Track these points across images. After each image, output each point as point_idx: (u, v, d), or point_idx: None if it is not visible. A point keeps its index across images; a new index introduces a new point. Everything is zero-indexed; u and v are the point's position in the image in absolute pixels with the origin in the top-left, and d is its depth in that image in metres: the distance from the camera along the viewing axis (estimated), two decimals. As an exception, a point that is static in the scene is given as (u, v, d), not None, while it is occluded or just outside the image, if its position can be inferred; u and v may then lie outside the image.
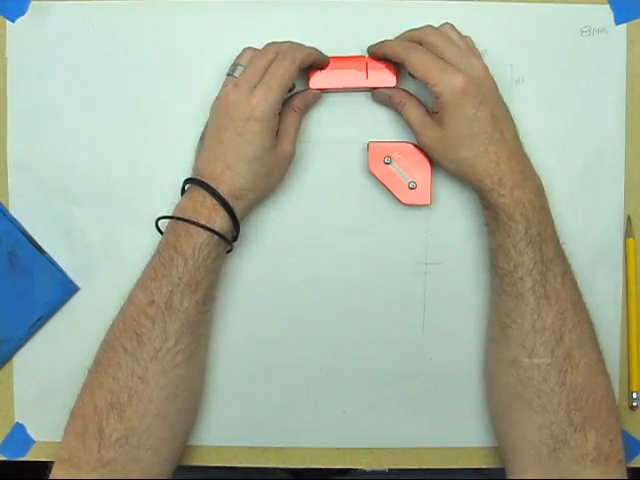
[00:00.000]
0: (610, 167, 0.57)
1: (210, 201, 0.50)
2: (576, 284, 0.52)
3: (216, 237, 0.50)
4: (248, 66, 0.52)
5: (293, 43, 0.53)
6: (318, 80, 0.55)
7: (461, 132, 0.51)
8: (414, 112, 0.54)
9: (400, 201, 0.56)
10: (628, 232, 0.57)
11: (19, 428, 0.58)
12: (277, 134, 0.52)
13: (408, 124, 0.54)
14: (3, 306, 0.57)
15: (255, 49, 0.53)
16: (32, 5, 0.57)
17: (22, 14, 0.57)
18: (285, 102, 0.53)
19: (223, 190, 0.50)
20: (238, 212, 0.51)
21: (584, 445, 0.48)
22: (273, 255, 0.57)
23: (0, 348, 0.57)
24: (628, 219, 0.57)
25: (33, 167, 0.57)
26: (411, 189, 0.56)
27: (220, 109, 0.51)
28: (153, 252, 0.52)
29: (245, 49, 0.53)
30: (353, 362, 0.58)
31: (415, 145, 0.55)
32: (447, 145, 0.52)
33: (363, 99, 0.57)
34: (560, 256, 0.51)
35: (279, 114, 0.51)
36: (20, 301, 0.57)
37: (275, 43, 0.53)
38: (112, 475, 0.48)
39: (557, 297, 0.50)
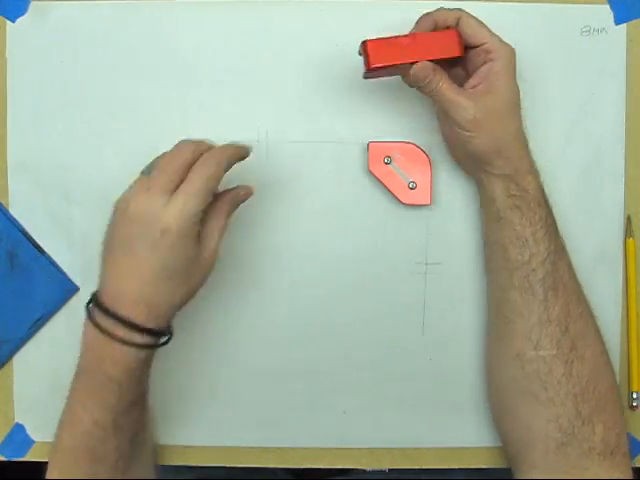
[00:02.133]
0: (610, 167, 0.57)
1: (126, 329, 0.45)
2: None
3: (144, 353, 0.46)
4: (162, 167, 0.45)
5: (208, 142, 0.47)
6: (379, 55, 0.49)
7: (512, 100, 0.50)
8: (452, 88, 0.49)
9: (400, 201, 0.56)
10: (628, 232, 0.57)
11: (19, 428, 0.58)
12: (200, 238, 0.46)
13: (444, 102, 0.49)
14: (3, 306, 0.57)
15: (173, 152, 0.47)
16: (32, 5, 0.57)
17: (22, 14, 0.57)
18: (211, 203, 0.46)
19: (141, 311, 0.45)
20: (161, 325, 0.46)
21: (591, 438, 0.48)
22: (272, 255, 0.57)
23: (0, 348, 0.57)
24: (628, 219, 0.57)
25: (33, 167, 0.57)
26: (411, 189, 0.56)
27: (132, 216, 0.45)
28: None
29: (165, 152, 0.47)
30: (353, 362, 0.58)
31: (415, 145, 0.55)
32: (494, 115, 0.49)
33: (363, 99, 0.57)
34: (565, 247, 0.52)
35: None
36: (20, 301, 0.57)
37: (188, 141, 0.47)
38: None
39: (564, 288, 0.50)
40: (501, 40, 0.50)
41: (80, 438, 0.48)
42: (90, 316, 0.46)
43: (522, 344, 0.50)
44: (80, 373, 0.48)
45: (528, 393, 0.50)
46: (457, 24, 0.50)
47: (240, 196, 0.50)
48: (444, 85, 0.49)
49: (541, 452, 0.49)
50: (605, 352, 0.51)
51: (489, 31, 0.50)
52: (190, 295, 0.48)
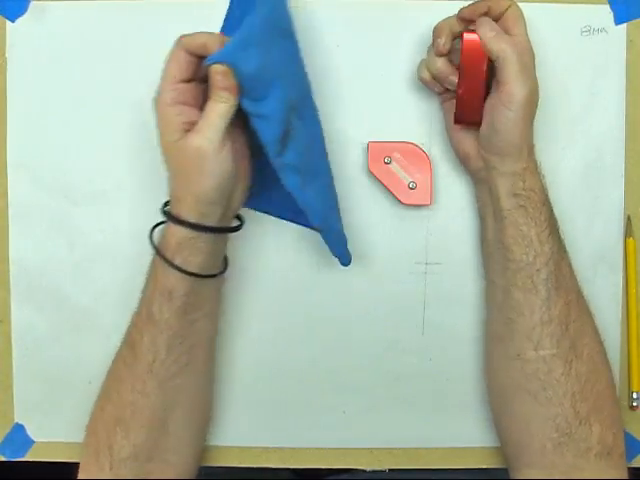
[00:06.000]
0: (610, 167, 0.57)
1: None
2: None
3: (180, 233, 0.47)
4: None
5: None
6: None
7: (535, 98, 0.50)
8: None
9: (400, 201, 0.56)
10: (628, 232, 0.57)
11: (19, 428, 0.58)
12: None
13: (509, 69, 0.48)
14: None
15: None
16: (32, 5, 0.57)
17: (22, 14, 0.57)
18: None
19: (176, 203, 0.47)
20: (188, 214, 0.46)
21: (589, 438, 0.48)
22: (272, 255, 0.57)
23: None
24: (628, 219, 0.57)
25: (33, 167, 0.57)
26: (411, 189, 0.55)
27: None
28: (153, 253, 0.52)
29: None
30: (353, 362, 0.58)
31: (415, 145, 0.55)
32: (527, 108, 0.49)
33: (363, 99, 0.57)
34: (565, 247, 0.52)
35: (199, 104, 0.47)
36: None
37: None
38: None
39: (565, 287, 0.50)
40: (515, 43, 0.48)
41: (128, 330, 0.51)
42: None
43: (523, 344, 0.50)
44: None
45: (527, 393, 0.50)
46: (506, 10, 0.49)
47: (213, 74, 0.44)
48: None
49: (538, 452, 0.49)
50: (603, 351, 0.51)
51: (525, 29, 0.49)
52: (200, 191, 0.46)
